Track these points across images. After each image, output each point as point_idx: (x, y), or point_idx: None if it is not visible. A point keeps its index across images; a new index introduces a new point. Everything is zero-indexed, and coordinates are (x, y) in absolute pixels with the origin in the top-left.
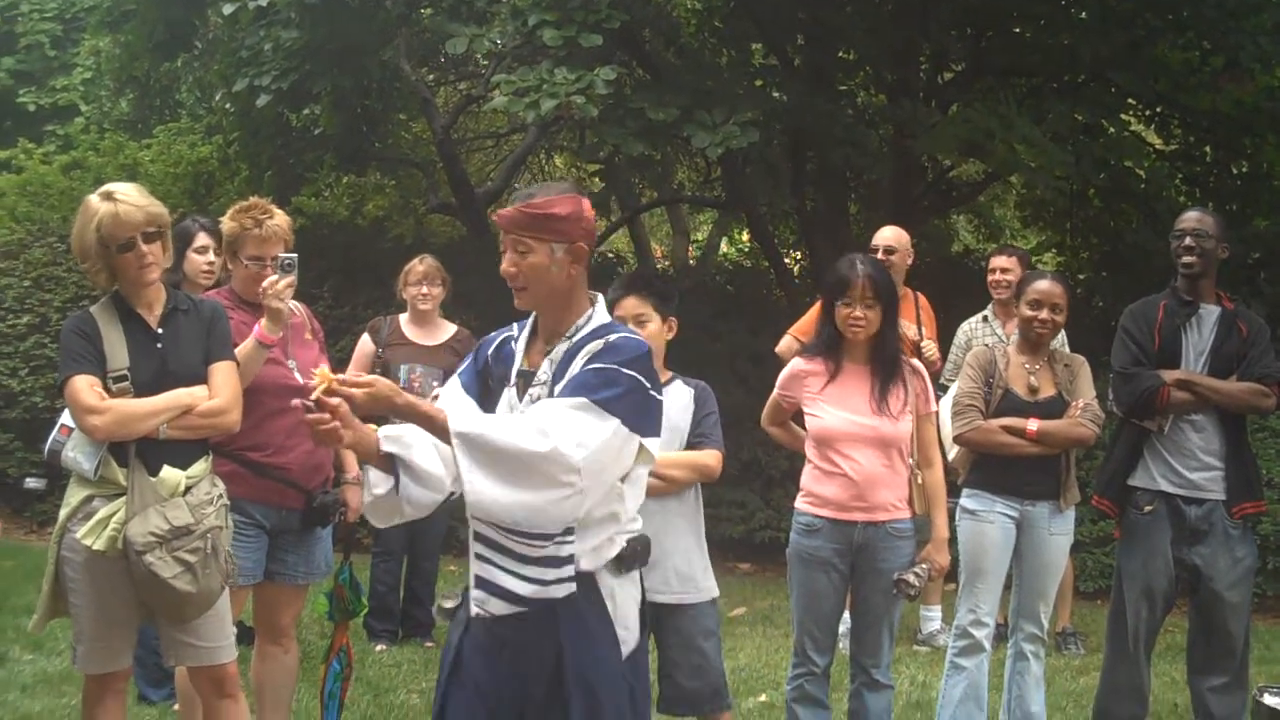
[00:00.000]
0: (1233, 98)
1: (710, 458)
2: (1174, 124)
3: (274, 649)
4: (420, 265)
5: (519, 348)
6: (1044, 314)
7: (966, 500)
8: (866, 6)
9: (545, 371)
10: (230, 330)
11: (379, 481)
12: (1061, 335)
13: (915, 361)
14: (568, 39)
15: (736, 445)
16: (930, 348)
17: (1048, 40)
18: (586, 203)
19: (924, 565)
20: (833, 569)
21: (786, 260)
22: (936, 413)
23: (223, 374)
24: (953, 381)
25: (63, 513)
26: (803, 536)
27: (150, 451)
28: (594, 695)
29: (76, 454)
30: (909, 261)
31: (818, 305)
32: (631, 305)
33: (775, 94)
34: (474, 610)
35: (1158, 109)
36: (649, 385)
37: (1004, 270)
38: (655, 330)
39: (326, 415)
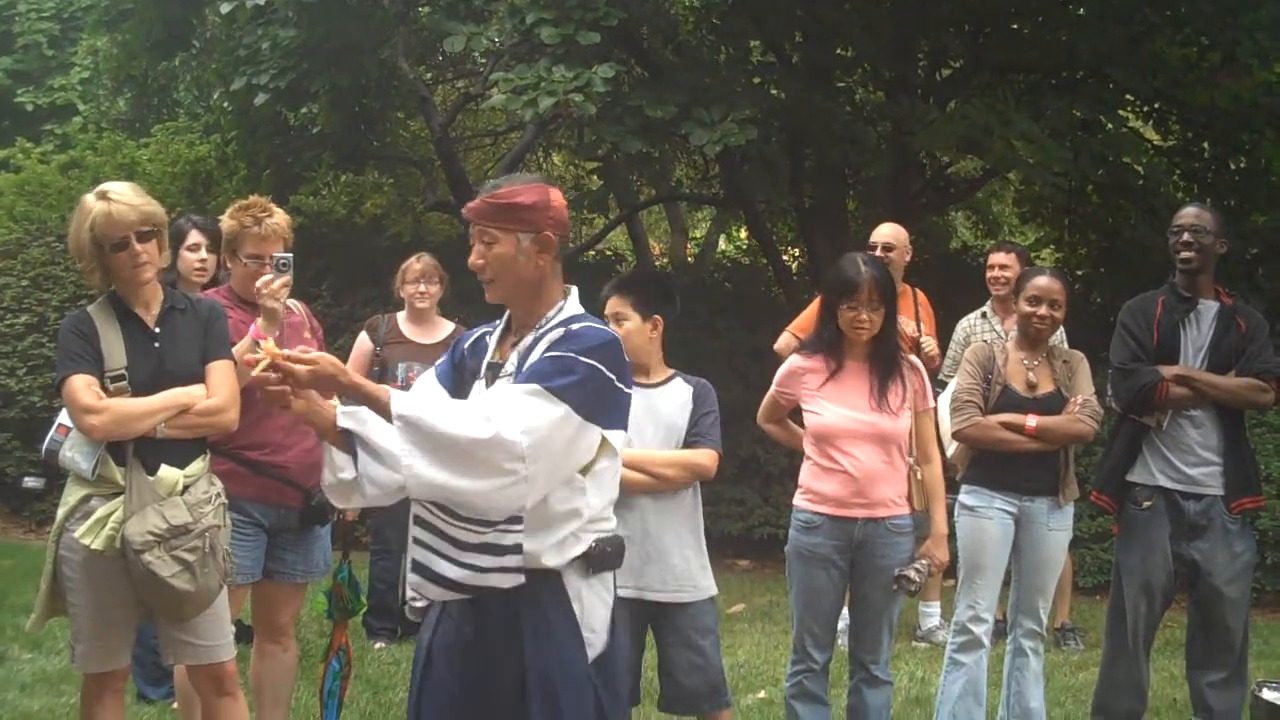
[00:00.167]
0: (1231, 93)
1: (704, 457)
2: (1172, 120)
3: (273, 647)
4: (418, 264)
5: (492, 341)
6: (1043, 310)
7: (965, 496)
8: (864, 3)
9: (512, 363)
10: (228, 329)
11: (345, 465)
12: (1060, 331)
13: (913, 358)
14: (565, 37)
15: (735, 442)
16: (929, 344)
17: (1046, 36)
18: (555, 192)
19: (924, 561)
20: (832, 565)
21: (785, 257)
22: (935, 409)
23: (220, 373)
24: (951, 378)
25: (61, 512)
26: (802, 533)
27: (148, 451)
28: (555, 698)
29: (74, 453)
30: (907, 258)
31: (816, 302)
32: (612, 304)
33: (773, 91)
34: (409, 594)
35: (1156, 105)
36: (612, 376)
37: (1003, 267)
38: (633, 329)
39: (273, 375)
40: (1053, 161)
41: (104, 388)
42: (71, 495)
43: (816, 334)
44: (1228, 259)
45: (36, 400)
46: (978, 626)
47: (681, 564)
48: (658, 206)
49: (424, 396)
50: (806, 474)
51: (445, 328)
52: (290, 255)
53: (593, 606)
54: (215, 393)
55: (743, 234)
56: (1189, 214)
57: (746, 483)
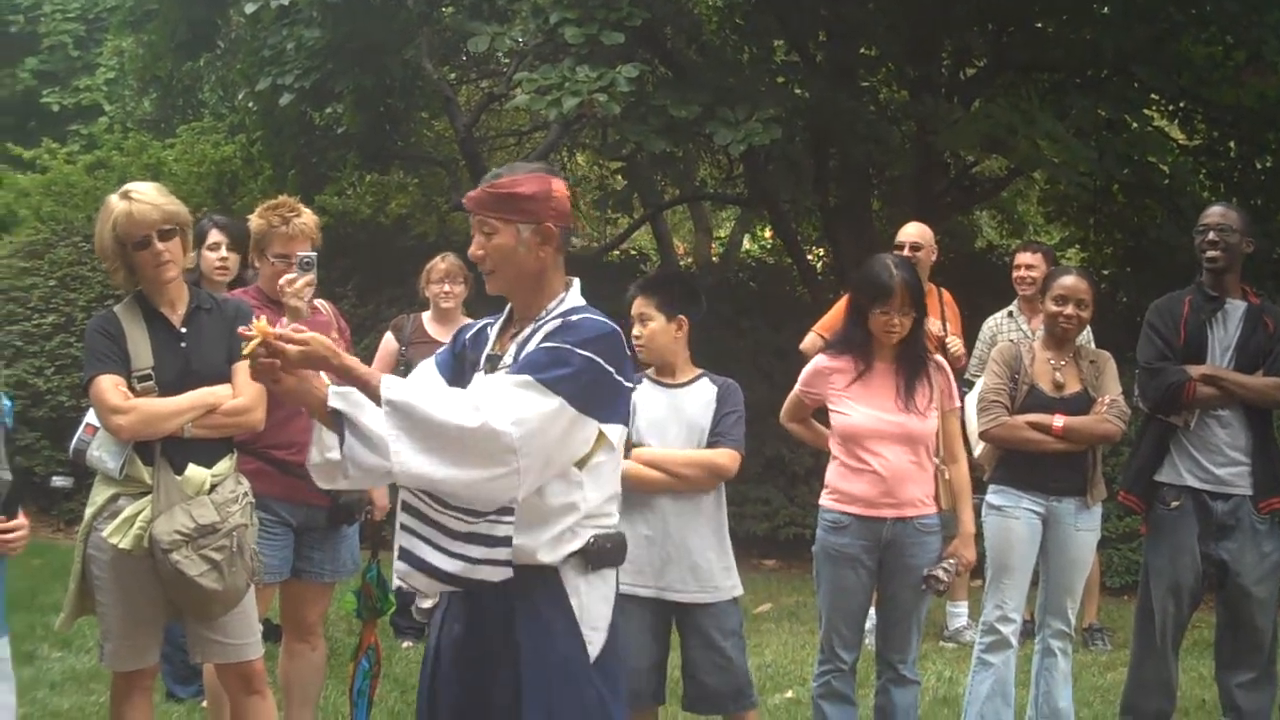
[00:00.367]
0: (1256, 92)
1: (724, 457)
2: (1197, 119)
3: (301, 646)
4: (442, 263)
5: (493, 332)
6: (1069, 309)
7: (992, 496)
8: (888, 2)
9: (510, 355)
10: None
11: (333, 445)
12: (1087, 331)
13: (939, 357)
14: (589, 37)
15: (760, 442)
16: (955, 344)
17: (1070, 35)
18: (558, 182)
19: (951, 560)
20: (860, 565)
21: (809, 257)
22: (961, 408)
23: (246, 373)
24: (978, 377)
25: (89, 511)
26: (830, 533)
27: (175, 450)
28: (550, 696)
29: (102, 453)
30: (933, 258)
31: (842, 301)
32: (637, 305)
33: (797, 90)
34: (396, 582)
35: (1181, 104)
36: (609, 368)
37: (1029, 266)
38: (658, 329)
39: (262, 349)
40: (1077, 161)
41: (131, 388)
42: (99, 495)
43: (845, 335)
44: (1254, 258)
45: (64, 400)
46: (1005, 626)
47: (703, 564)
48: (682, 206)
49: (416, 383)
50: (833, 474)
51: None
52: (314, 254)
53: (592, 603)
54: (242, 392)
55: (767, 233)
56: (1215, 213)
57: (772, 482)
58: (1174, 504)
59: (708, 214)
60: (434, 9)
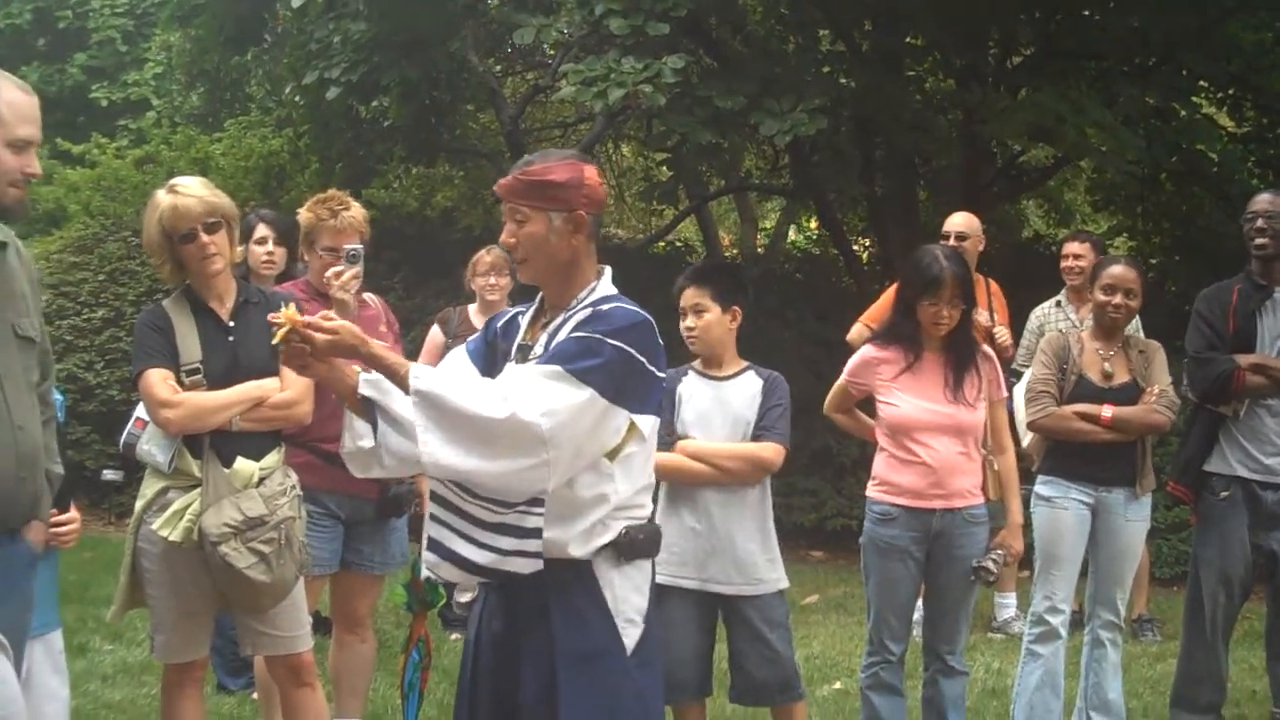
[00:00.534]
0: None
1: (768, 450)
2: (1247, 106)
3: (351, 638)
4: (488, 256)
5: (525, 321)
6: (1118, 299)
7: (1041, 487)
8: None
9: (541, 344)
10: None
11: (364, 433)
12: (1136, 321)
13: (986, 348)
14: (635, 28)
15: (807, 433)
16: (1003, 334)
17: (1118, 22)
18: (590, 169)
19: (1000, 551)
20: (909, 557)
21: (855, 247)
22: (1009, 399)
23: None
24: (1025, 368)
25: (139, 504)
26: (878, 525)
27: (224, 443)
28: (586, 691)
29: (151, 446)
30: (980, 247)
31: (889, 292)
32: (690, 296)
33: (843, 80)
34: (424, 573)
35: (1230, 91)
36: (641, 358)
37: (1077, 256)
38: (714, 320)
39: (294, 337)
40: (1125, 149)
41: (180, 381)
42: (149, 488)
43: (893, 326)
44: None
45: (115, 394)
46: (1054, 617)
47: (747, 557)
48: (727, 197)
49: (445, 373)
50: (881, 465)
51: None
52: (360, 247)
53: (626, 595)
54: (290, 386)
55: (813, 224)
56: (1264, 200)
57: (819, 474)
58: (1223, 494)
59: (753, 205)
60: (479, 1)
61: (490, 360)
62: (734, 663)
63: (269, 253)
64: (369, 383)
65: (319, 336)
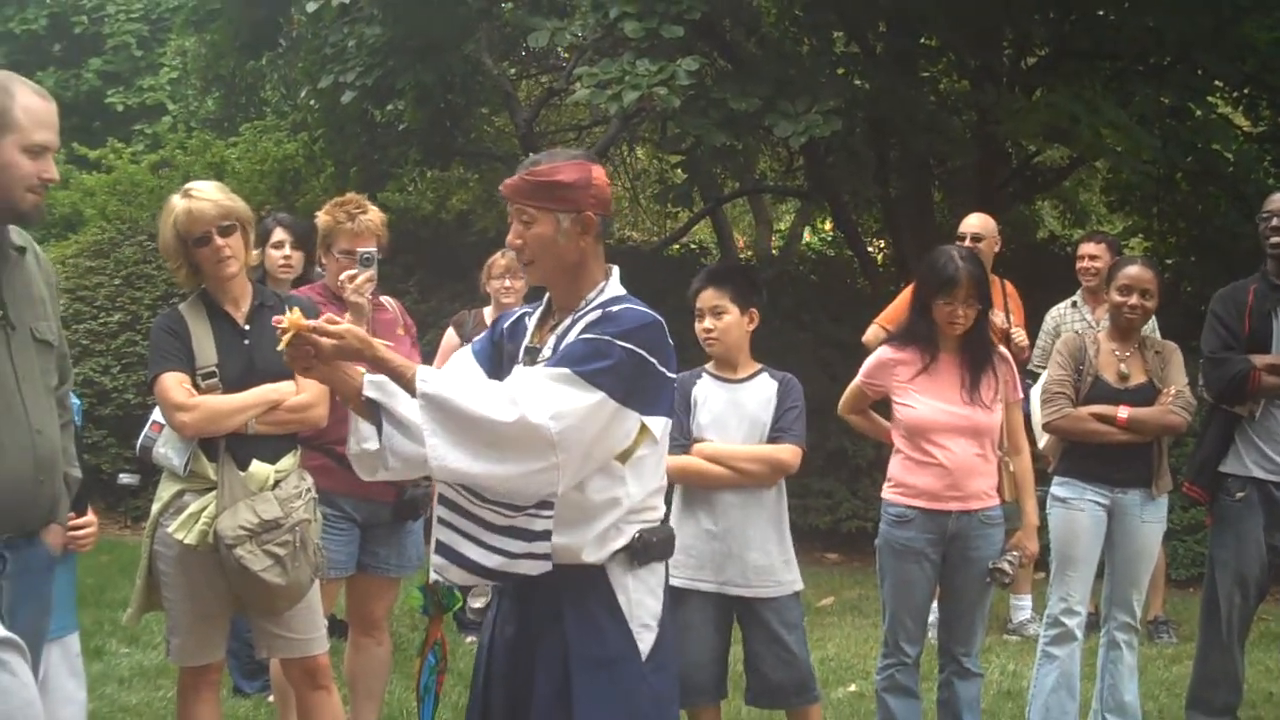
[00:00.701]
0: None
1: (786, 452)
2: (1262, 105)
3: (367, 641)
4: (503, 259)
5: (531, 323)
6: (1134, 299)
7: (1057, 488)
8: None
9: (550, 347)
10: None
11: (369, 435)
12: (1152, 321)
13: (1002, 349)
14: (649, 30)
15: (822, 435)
16: (1019, 335)
17: (1132, 22)
18: (598, 169)
19: (1016, 553)
20: (925, 559)
21: (870, 249)
22: (1025, 400)
23: None
24: (1041, 369)
25: (155, 508)
26: (894, 527)
27: (239, 446)
28: (602, 697)
29: (167, 450)
30: (996, 248)
31: (904, 294)
32: (709, 297)
33: (857, 82)
34: (433, 576)
35: (1245, 90)
36: (652, 360)
37: (1092, 257)
38: (733, 322)
39: (300, 339)
40: (1141, 149)
41: (195, 385)
42: (165, 491)
43: (909, 326)
44: None
45: (130, 398)
46: (1070, 619)
47: (763, 559)
48: (742, 199)
49: (452, 376)
50: (897, 467)
51: None
52: (374, 250)
53: (641, 599)
54: (305, 389)
55: (827, 226)
56: (1278, 200)
57: (834, 475)
58: (1239, 495)
59: (768, 207)
60: (494, 4)
61: (496, 361)
62: (750, 665)
63: (286, 257)
64: (374, 384)
65: (324, 341)
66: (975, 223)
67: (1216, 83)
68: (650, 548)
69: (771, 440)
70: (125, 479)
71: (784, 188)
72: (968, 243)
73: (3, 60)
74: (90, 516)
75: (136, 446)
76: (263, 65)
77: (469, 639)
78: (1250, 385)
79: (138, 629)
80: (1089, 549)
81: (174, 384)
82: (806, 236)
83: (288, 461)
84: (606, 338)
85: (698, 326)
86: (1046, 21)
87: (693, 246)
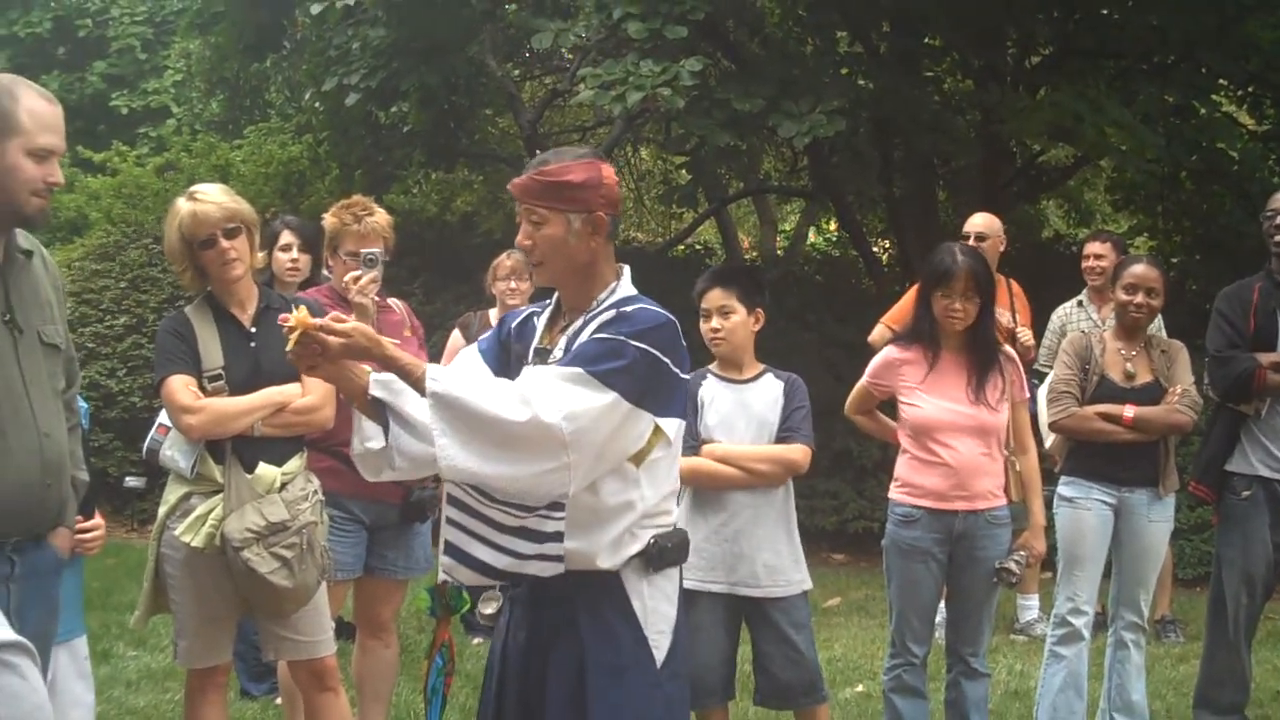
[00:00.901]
0: None
1: (797, 452)
2: (1266, 104)
3: (374, 643)
4: (508, 260)
5: (540, 323)
6: (1140, 298)
7: (1064, 488)
8: None
9: (561, 348)
10: None
11: (373, 434)
12: (1158, 320)
13: (1008, 348)
14: (653, 31)
15: (828, 436)
16: (1025, 334)
17: (1136, 21)
18: (607, 168)
19: (1022, 552)
20: (932, 559)
21: (875, 249)
22: (1032, 400)
23: None
24: (1048, 368)
25: (161, 510)
26: (900, 527)
27: (246, 449)
28: (618, 706)
29: (174, 452)
30: (1001, 248)
31: (910, 293)
32: (716, 297)
33: (861, 82)
34: (441, 576)
35: (1249, 89)
36: (666, 360)
37: (1098, 256)
38: (740, 322)
39: (308, 339)
40: (1145, 148)
41: (202, 387)
42: (172, 494)
43: (913, 324)
44: None
45: (136, 401)
46: (1077, 619)
47: (774, 558)
48: (746, 200)
49: (462, 374)
50: (904, 467)
51: None
52: (378, 251)
53: (656, 606)
54: (311, 391)
55: (832, 226)
56: None
57: (840, 476)
58: (1245, 494)
59: (772, 207)
60: (497, 6)
61: (503, 360)
62: (759, 665)
63: (293, 260)
64: (380, 383)
65: (332, 340)
66: (980, 222)
67: (1221, 81)
68: (665, 553)
69: (780, 440)
70: (131, 482)
71: (788, 188)
72: (971, 242)
73: (7, 64)
74: (97, 520)
75: (143, 449)
76: (267, 68)
77: (476, 640)
78: (1255, 383)
79: (145, 632)
80: (1096, 548)
81: (180, 387)
82: (811, 237)
83: (294, 464)
84: (621, 338)
85: (704, 326)
86: (1050, 21)
87: (697, 247)
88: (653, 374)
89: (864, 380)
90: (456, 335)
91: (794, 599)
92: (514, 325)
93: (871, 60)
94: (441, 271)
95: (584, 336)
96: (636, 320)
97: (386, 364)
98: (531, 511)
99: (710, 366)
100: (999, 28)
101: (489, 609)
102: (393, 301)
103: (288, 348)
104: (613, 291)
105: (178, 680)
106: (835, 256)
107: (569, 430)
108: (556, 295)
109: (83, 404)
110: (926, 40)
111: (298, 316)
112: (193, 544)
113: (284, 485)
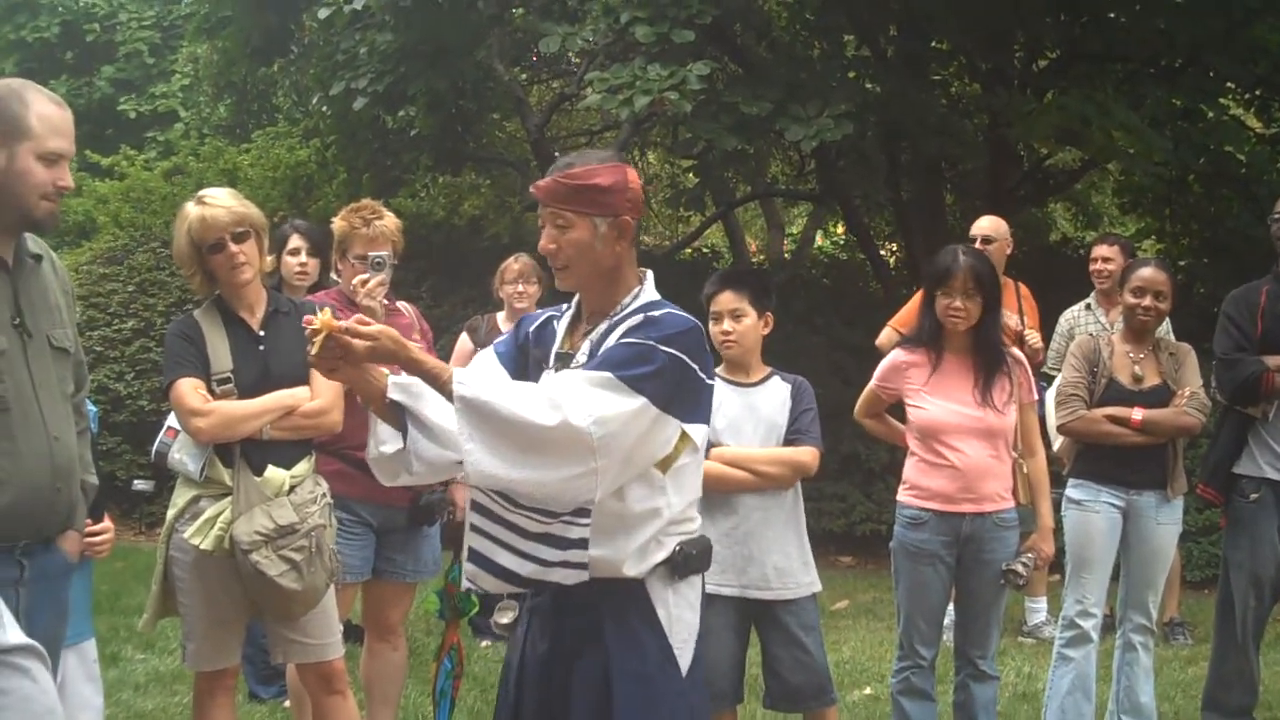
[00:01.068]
0: None
1: (806, 454)
2: (1274, 107)
3: (383, 646)
4: (516, 264)
5: (561, 328)
6: (1148, 301)
7: (1072, 490)
8: None
9: (584, 353)
10: None
11: (389, 438)
12: (1166, 323)
13: (1015, 351)
14: (660, 35)
15: (836, 439)
16: (1034, 337)
17: (1143, 25)
18: (632, 172)
19: (1030, 555)
20: (939, 561)
21: (882, 252)
22: (1040, 403)
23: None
24: (1056, 371)
25: (170, 513)
26: (908, 530)
27: (255, 452)
28: (641, 716)
29: (182, 455)
30: (1008, 251)
31: (917, 296)
32: (727, 300)
33: (868, 85)
34: (464, 584)
35: (1257, 92)
36: (694, 366)
37: (1105, 259)
38: (751, 325)
39: (333, 344)
40: (1153, 151)
41: (210, 391)
42: (180, 497)
43: (917, 326)
44: None
45: (145, 404)
46: (1086, 621)
47: (784, 561)
48: (754, 203)
49: (489, 378)
50: (911, 469)
51: None
52: (385, 254)
53: (680, 614)
54: (320, 394)
55: (839, 229)
56: None
57: (848, 479)
58: (1253, 496)
59: (779, 210)
60: (505, 10)
61: (521, 364)
62: (768, 668)
63: (302, 264)
64: (399, 386)
65: (357, 343)
66: (986, 225)
67: (1228, 85)
68: (690, 560)
69: (788, 443)
70: (140, 485)
71: (795, 191)
72: (978, 244)
73: (15, 68)
74: (106, 523)
75: (151, 452)
76: (274, 72)
77: (484, 643)
78: (1263, 386)
79: (153, 635)
80: (1104, 551)
81: (189, 390)
82: (818, 240)
83: (303, 467)
84: (650, 342)
85: (714, 329)
86: (1057, 24)
87: (705, 250)
88: (681, 379)
89: (872, 383)
90: (464, 339)
91: (803, 601)
92: (532, 329)
93: (879, 64)
94: (449, 275)
95: (610, 341)
96: (665, 325)
97: (412, 368)
98: (556, 517)
99: (716, 369)
100: (1006, 31)
101: (505, 619)
102: (402, 305)
103: (311, 350)
104: (636, 296)
105: (186, 683)
106: (842, 260)
107: (598, 435)
108: (576, 299)
109: (91, 408)
110: (934, 44)
111: (323, 319)
112: (201, 547)
113: (292, 488)
